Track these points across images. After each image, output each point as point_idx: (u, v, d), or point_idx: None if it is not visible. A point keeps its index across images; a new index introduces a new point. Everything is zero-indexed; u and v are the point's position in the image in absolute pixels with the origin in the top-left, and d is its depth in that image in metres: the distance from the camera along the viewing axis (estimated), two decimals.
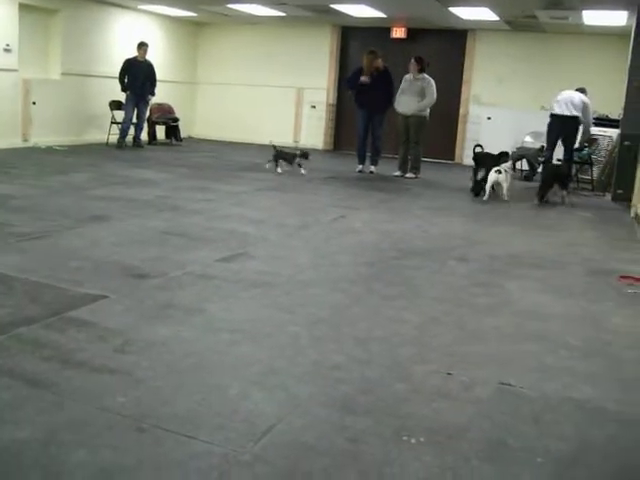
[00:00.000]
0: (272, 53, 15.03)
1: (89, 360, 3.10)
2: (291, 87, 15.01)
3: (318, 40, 14.72)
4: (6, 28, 11.09)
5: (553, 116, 10.29)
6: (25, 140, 11.66)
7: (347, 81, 11.51)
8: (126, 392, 2.80)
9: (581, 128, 10.36)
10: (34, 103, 11.68)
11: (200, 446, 2.42)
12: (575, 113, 10.13)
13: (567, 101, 10.19)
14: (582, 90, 10.49)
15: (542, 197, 8.87)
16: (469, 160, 12.89)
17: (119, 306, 3.89)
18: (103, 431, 2.49)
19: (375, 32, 13.80)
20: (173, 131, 14.30)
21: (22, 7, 11.32)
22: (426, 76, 10.78)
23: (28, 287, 4.12)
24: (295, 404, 2.80)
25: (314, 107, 15.02)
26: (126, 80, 12.39)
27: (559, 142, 10.42)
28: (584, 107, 10.16)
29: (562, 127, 10.23)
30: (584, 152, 10.91)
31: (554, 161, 10.37)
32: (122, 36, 13.37)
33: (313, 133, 15.08)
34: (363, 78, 10.79)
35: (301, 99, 15.09)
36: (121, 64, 12.40)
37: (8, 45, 11.07)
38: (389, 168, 11.19)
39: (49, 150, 11.38)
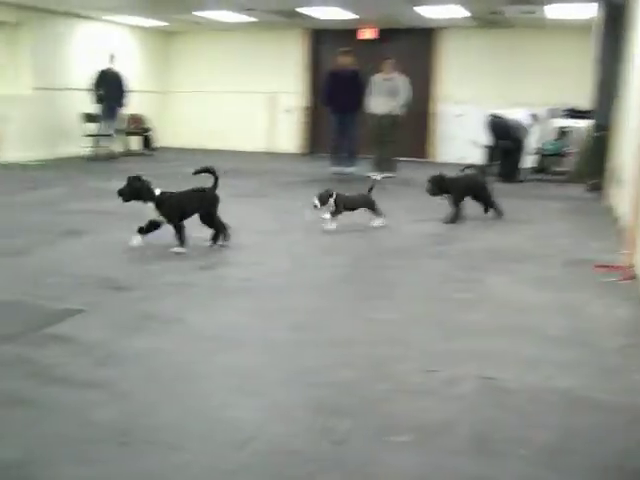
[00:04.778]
0: (244, 59, 15.03)
1: (70, 375, 3.08)
2: (264, 92, 15.00)
3: (289, 44, 14.74)
4: None
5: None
6: None
7: (322, 97, 11.56)
8: (108, 405, 2.78)
9: None
10: (6, 120, 11.57)
11: (184, 457, 2.41)
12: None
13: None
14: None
15: None
16: (443, 157, 12.99)
17: (98, 319, 3.86)
18: (86, 446, 2.47)
19: (345, 34, 13.83)
20: (147, 141, 14.24)
21: None
22: (397, 75, 10.83)
23: (6, 305, 4.09)
24: (278, 410, 2.79)
25: (288, 111, 15.02)
26: (99, 91, 12.33)
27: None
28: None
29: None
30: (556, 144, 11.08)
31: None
32: (91, 48, 13.28)
33: (288, 137, 15.08)
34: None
35: (275, 104, 15.08)
36: (93, 76, 12.33)
37: None
38: (363, 169, 11.20)
39: (22, 166, 11.28)
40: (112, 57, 12.52)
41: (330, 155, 11.44)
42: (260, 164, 12.63)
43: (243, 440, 2.52)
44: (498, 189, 9.70)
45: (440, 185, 7.08)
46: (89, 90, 12.33)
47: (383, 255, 5.65)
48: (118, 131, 13.02)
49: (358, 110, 11.02)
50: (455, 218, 7.05)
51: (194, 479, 2.29)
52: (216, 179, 5.67)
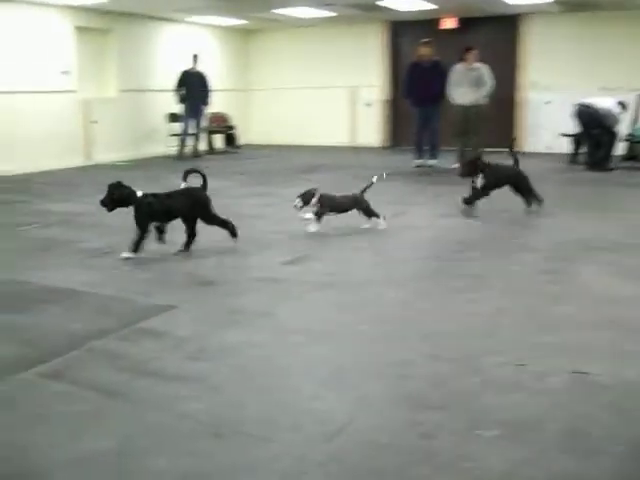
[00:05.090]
0: (323, 54, 15.05)
1: (163, 369, 3.16)
2: (345, 87, 14.99)
3: (369, 38, 14.68)
4: (64, 51, 11.47)
5: None
6: (88, 158, 11.96)
7: (403, 90, 11.53)
8: (201, 398, 2.84)
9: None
10: (95, 122, 11.98)
11: (275, 449, 2.44)
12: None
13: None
14: None
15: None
16: (532, 147, 12.68)
17: (189, 314, 3.96)
18: (181, 438, 2.53)
19: (424, 25, 13.68)
20: (230, 139, 14.48)
21: (78, 30, 11.68)
22: (479, 64, 10.65)
23: (99, 301, 4.23)
24: (367, 402, 2.80)
25: (369, 105, 14.97)
26: (181, 91, 12.59)
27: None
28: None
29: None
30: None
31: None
32: (174, 49, 13.59)
33: (370, 131, 15.04)
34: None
35: (355, 98, 15.07)
36: (176, 76, 12.60)
37: (66, 68, 11.48)
38: (446, 161, 11.07)
39: (112, 166, 11.64)
40: (195, 57, 12.76)
41: (414, 147, 11.36)
42: (343, 159, 12.65)
43: (332, 432, 2.54)
44: (588, 178, 9.47)
45: (474, 167, 6.96)
46: (173, 90, 12.60)
47: (470, 247, 5.56)
48: (202, 130, 13.27)
49: (440, 101, 10.89)
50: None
51: (285, 470, 2.32)
52: (204, 178, 5.52)
